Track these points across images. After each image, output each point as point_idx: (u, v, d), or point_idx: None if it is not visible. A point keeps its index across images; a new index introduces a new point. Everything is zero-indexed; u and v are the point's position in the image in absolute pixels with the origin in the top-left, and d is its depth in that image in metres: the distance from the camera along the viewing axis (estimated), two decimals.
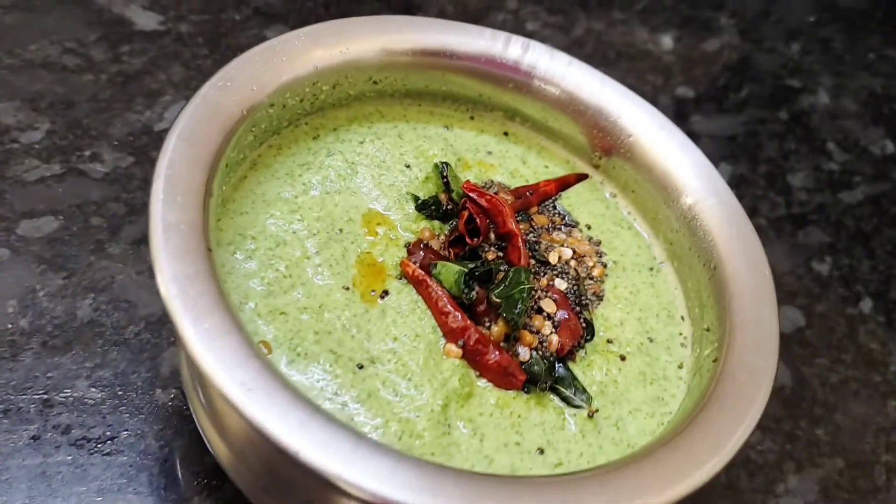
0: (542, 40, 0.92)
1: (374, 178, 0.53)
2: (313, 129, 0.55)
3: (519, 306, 0.47)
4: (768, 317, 0.46)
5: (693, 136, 0.88)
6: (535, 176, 0.58)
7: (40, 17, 0.72)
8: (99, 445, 0.50)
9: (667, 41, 0.99)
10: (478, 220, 0.49)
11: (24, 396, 0.51)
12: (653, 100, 0.90)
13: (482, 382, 0.47)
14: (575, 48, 0.94)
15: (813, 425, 0.67)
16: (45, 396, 0.51)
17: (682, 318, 0.53)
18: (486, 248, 0.50)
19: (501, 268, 0.50)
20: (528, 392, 0.47)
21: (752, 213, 0.82)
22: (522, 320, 0.47)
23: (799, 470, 0.63)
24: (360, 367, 0.45)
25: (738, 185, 0.85)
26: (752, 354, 0.45)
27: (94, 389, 0.52)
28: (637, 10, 1.02)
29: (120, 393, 0.52)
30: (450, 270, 0.48)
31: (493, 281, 0.49)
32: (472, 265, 0.48)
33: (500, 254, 0.50)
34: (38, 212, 0.59)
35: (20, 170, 0.61)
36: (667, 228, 0.56)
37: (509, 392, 0.47)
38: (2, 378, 0.51)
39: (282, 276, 0.47)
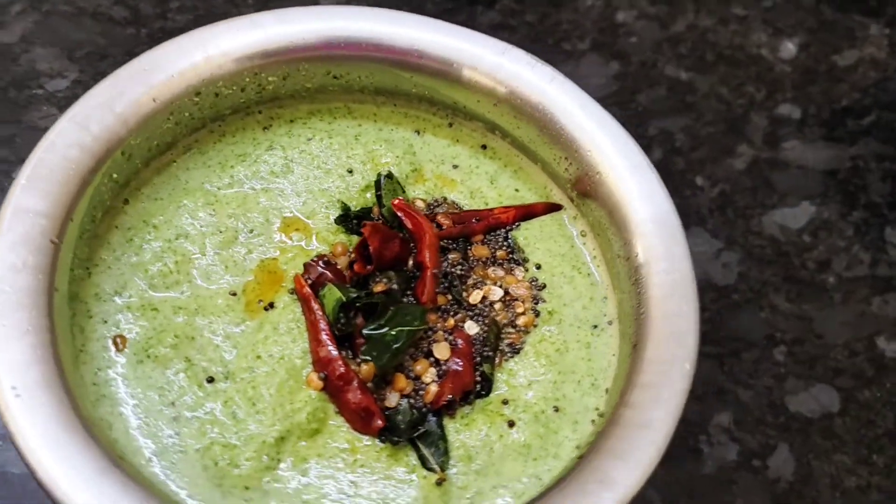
0: (629, 34, 0.83)
1: (308, 181, 0.51)
2: (267, 119, 0.53)
3: (392, 349, 0.43)
4: (658, 427, 0.39)
5: (780, 164, 0.76)
6: (499, 199, 0.53)
7: None
8: None
9: (789, 47, 0.85)
10: (371, 245, 0.45)
11: None
12: (743, 116, 0.79)
13: (337, 421, 0.44)
14: (666, 45, 0.83)
15: None
16: None
17: (607, 390, 0.47)
18: (378, 279, 0.46)
19: (406, 300, 0.46)
20: (383, 441, 0.43)
21: (822, 267, 0.70)
22: (391, 365, 0.44)
23: None
24: (210, 380, 0.44)
25: (815, 231, 0.72)
26: (615, 464, 0.38)
27: None
28: (764, 6, 0.88)
29: None
30: (332, 295, 0.45)
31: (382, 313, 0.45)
32: (354, 294, 0.45)
33: (396, 286, 0.46)
34: None
35: (36, 116, 0.65)
36: (619, 285, 0.49)
37: (364, 437, 0.43)
38: None
39: (168, 272, 0.46)
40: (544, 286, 0.50)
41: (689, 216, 0.71)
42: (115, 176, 0.46)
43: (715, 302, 0.67)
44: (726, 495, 0.58)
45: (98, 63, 0.69)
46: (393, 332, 0.44)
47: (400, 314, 0.45)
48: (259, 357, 0.44)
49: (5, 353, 0.36)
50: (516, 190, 0.54)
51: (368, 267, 0.46)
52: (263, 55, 0.49)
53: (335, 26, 0.50)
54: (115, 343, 0.44)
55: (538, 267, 0.51)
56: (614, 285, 0.50)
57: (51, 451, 0.35)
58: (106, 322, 0.44)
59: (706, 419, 0.61)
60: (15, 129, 0.64)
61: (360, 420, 0.43)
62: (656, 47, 0.83)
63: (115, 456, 0.37)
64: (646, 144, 0.74)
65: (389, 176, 0.51)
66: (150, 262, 0.46)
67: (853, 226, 0.73)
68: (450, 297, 0.48)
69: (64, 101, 0.66)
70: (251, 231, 0.49)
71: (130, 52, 0.70)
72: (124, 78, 0.46)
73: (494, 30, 0.79)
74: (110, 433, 0.41)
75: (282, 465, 0.42)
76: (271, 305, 0.46)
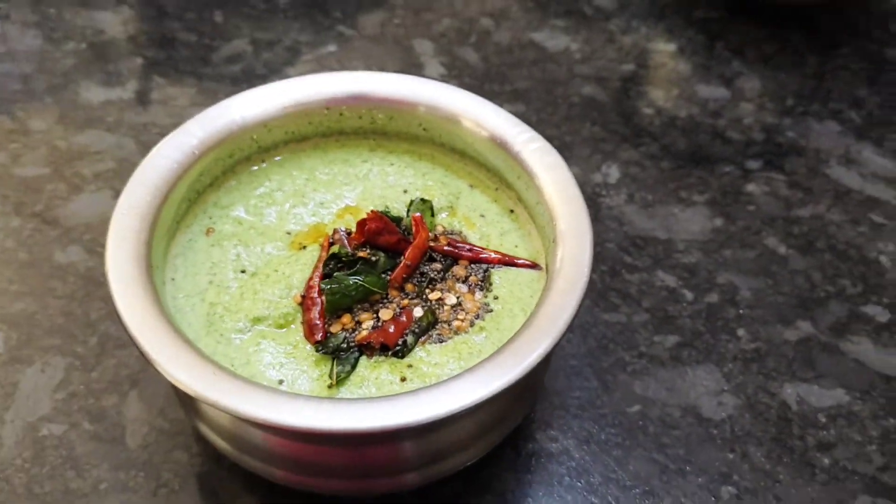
0: (749, 202, 0.92)
1: (375, 188, 0.73)
2: (375, 145, 0.76)
3: (342, 292, 0.62)
4: (441, 396, 0.53)
5: (836, 352, 0.80)
6: (499, 247, 0.69)
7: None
8: None
9: None
10: (367, 225, 0.64)
11: None
12: (822, 301, 0.84)
13: (297, 327, 0.63)
14: (781, 222, 0.90)
15: None
16: None
17: None
18: (367, 250, 0.65)
19: (383, 276, 0.65)
20: (316, 350, 0.61)
21: (821, 447, 0.72)
22: (336, 303, 0.62)
23: None
24: (242, 271, 0.66)
25: (835, 418, 0.75)
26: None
27: None
28: None
29: None
30: (334, 249, 0.65)
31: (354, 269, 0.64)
32: (344, 252, 0.64)
33: (377, 260, 0.65)
34: None
35: None
36: None
37: (307, 344, 0.62)
38: None
39: (259, 206, 0.71)
40: (491, 311, 0.65)
41: (711, 355, 0.78)
42: (255, 137, 0.72)
43: (691, 426, 0.73)
44: None
45: None
46: (351, 282, 0.62)
47: (365, 275, 0.63)
48: (276, 271, 0.66)
49: (132, 189, 0.62)
50: (516, 246, 0.70)
51: (362, 239, 0.65)
52: (376, 99, 0.73)
53: (426, 93, 0.72)
54: (208, 231, 0.68)
55: (496, 298, 0.66)
56: None
57: (120, 241, 0.59)
58: (211, 218, 0.69)
59: None
60: None
61: (309, 330, 0.62)
62: (769, 220, 0.91)
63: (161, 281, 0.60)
64: (706, 287, 0.83)
65: (424, 201, 0.70)
66: (254, 197, 0.71)
67: (882, 429, 0.74)
68: (416, 288, 0.65)
69: None
70: (321, 203, 0.71)
71: None
72: (277, 86, 0.72)
73: (627, 165, 0.94)
74: (175, 274, 0.65)
75: (249, 333, 0.62)
76: (304, 247, 0.68)
